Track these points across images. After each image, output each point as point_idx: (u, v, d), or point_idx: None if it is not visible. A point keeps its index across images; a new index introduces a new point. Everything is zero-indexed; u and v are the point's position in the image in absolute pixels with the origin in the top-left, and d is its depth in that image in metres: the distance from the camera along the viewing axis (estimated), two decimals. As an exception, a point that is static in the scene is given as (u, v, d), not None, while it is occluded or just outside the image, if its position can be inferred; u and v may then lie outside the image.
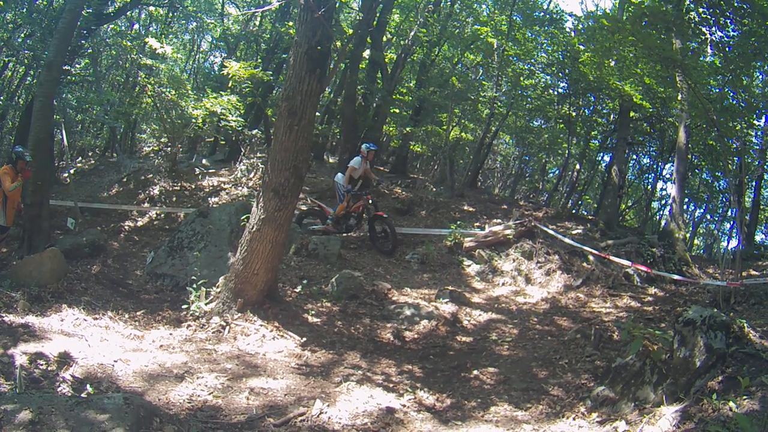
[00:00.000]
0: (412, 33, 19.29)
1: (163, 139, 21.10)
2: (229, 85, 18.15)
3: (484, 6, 22.63)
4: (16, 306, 7.13)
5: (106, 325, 7.12)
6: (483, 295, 10.94)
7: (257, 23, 25.40)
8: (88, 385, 5.04)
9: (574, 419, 5.27)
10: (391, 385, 6.08)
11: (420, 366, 7.02)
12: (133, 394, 4.86)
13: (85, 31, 16.43)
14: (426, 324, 8.53)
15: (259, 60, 21.76)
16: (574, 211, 20.34)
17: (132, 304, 8.52)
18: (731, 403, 4.39)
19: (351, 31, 17.42)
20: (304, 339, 7.41)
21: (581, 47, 17.73)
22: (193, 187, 17.75)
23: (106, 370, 5.49)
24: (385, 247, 12.85)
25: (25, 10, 17.36)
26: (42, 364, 5.25)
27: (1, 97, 22.26)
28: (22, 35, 18.89)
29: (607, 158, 23.26)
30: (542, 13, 20.23)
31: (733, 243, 20.45)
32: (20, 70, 23.04)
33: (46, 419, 3.77)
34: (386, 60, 19.10)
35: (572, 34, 19.26)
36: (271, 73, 19.06)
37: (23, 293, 7.61)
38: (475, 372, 6.77)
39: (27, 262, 8.64)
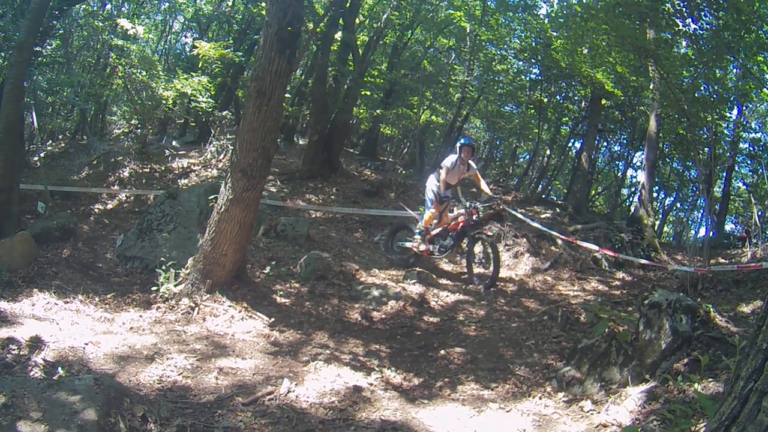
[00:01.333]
0: (385, 16, 19.25)
1: (133, 121, 20.87)
2: (200, 65, 18.01)
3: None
4: (-13, 292, 7.09)
5: (77, 309, 7.08)
6: (450, 276, 11.00)
7: (230, 4, 25.18)
8: (59, 368, 5.01)
9: (540, 398, 5.36)
10: (358, 365, 6.13)
11: (387, 346, 7.07)
12: (103, 375, 4.85)
13: (56, 12, 16.02)
14: (393, 304, 8.56)
15: (231, 41, 21.58)
16: (543, 196, 20.54)
17: (102, 287, 8.45)
18: (696, 385, 4.48)
19: (323, 12, 17.31)
20: (273, 319, 7.41)
21: (554, 34, 17.86)
22: (163, 168, 17.62)
23: (77, 353, 5.46)
24: (482, 278, 10.01)
25: (-4, -11, 16.97)
26: (14, 349, 5.22)
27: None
28: (-7, 16, 18.48)
29: (577, 144, 23.56)
30: (517, -1, 20.30)
31: (703, 232, 20.81)
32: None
33: (18, 402, 3.75)
34: (358, 42, 19.04)
35: (546, 20, 19.35)
36: (241, 54, 18.91)
37: (-6, 278, 7.57)
38: (443, 352, 6.82)
39: (-3, 247, 8.56)
